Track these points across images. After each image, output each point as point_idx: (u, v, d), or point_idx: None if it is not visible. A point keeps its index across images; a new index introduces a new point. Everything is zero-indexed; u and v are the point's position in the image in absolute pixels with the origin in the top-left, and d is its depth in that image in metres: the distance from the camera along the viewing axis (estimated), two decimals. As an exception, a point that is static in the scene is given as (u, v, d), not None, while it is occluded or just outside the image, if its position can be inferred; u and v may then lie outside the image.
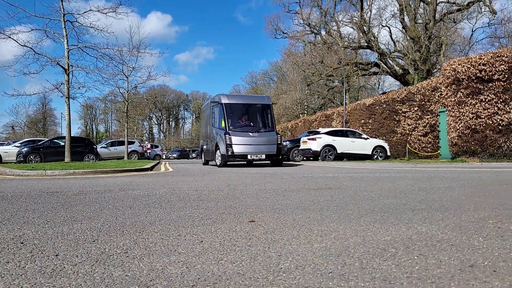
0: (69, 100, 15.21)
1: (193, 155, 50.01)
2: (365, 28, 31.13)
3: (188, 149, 56.52)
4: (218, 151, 11.89)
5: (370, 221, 2.28)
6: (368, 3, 31.86)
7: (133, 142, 25.81)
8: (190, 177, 6.87)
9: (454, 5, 29.72)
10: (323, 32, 35.41)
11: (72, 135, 16.46)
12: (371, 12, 32.04)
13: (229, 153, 11.18)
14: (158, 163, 16.82)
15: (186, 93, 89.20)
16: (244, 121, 12.31)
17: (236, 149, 11.20)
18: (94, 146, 20.73)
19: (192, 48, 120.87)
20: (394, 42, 33.15)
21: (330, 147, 17.19)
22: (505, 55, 12.70)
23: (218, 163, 11.81)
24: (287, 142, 19.98)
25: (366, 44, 31.79)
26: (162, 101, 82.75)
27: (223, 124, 11.85)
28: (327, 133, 17.74)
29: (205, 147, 14.26)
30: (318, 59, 34.03)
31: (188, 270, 1.39)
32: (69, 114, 15.49)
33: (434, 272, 1.32)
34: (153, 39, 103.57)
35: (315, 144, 17.17)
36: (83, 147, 19.28)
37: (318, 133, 18.00)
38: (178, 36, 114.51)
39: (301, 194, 3.82)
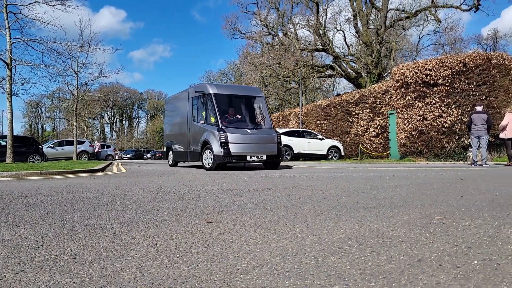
0: (11, 97, 14.24)
1: (148, 155, 48.62)
2: (320, 31, 31.98)
3: (142, 149, 54.89)
4: (207, 151, 9.78)
5: (325, 219, 2.33)
6: (324, 7, 32.76)
7: (83, 142, 24.59)
8: (144, 178, 6.67)
9: (403, 12, 31.36)
10: (280, 34, 35.92)
11: (15, 134, 15.40)
12: (326, 16, 32.97)
13: (225, 154, 9.27)
14: (110, 163, 16.18)
15: (140, 91, 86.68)
16: (235, 116, 10.46)
17: (234, 148, 9.35)
18: (40, 146, 19.51)
19: (148, 45, 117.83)
20: (348, 46, 34.36)
21: (287, 147, 17.45)
22: (448, 62, 13.58)
23: (208, 166, 9.66)
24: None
25: (321, 47, 32.66)
26: (115, 99, 79.76)
27: (212, 119, 9.96)
28: (284, 133, 17.99)
29: (176, 146, 12.24)
30: (275, 60, 34.47)
31: (141, 274, 1.34)
32: (11, 112, 14.49)
33: (385, 267, 1.36)
34: (105, 34, 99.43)
35: (273, 145, 17.36)
36: (27, 147, 18.07)
37: (275, 133, 18.19)
38: (133, 33, 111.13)
39: (259, 194, 3.83)
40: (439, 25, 33.06)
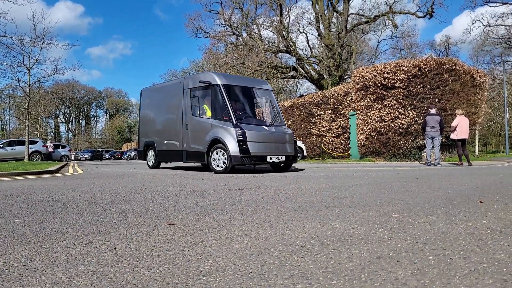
0: (-45, 93, 13.22)
1: (107, 155, 46.93)
2: (284, 33, 32.36)
3: (101, 149, 52.89)
4: (218, 151, 8.37)
5: (288, 219, 2.34)
6: (287, 9, 33.19)
7: (35, 142, 23.30)
8: (102, 180, 6.43)
9: (363, 17, 32.43)
10: (244, 34, 35.97)
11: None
12: (289, 18, 33.42)
13: (243, 154, 8.02)
14: (65, 165, 15.47)
15: (99, 89, 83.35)
16: (244, 111, 9.18)
17: (252, 148, 8.14)
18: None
19: (107, 42, 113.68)
20: (310, 48, 35.05)
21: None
22: (405, 66, 14.20)
23: (219, 168, 8.24)
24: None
25: (285, 48, 33.06)
26: (71, 97, 76.36)
27: (222, 115, 8.57)
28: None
29: (163, 144, 10.46)
30: (239, 61, 34.47)
31: (99, 280, 1.28)
32: (-44, 109, 13.46)
33: (346, 265, 1.39)
34: (61, 29, 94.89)
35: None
36: (-27, 147, 16.89)
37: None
38: (91, 29, 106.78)
39: (222, 194, 3.81)
40: (396, 30, 34.54)
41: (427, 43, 64.89)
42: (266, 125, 8.84)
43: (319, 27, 31.21)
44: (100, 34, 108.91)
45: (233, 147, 8.06)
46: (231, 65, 35.44)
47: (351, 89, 16.82)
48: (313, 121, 20.08)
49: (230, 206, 2.93)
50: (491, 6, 42.66)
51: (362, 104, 15.37)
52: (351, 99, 16.96)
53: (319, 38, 32.38)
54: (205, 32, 37.69)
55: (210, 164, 8.48)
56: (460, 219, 2.19)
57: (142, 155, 11.65)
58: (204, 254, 1.58)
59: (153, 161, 11.10)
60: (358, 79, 15.42)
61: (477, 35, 45.34)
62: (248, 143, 8.12)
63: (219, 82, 8.75)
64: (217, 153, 8.39)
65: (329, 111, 18.97)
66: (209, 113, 8.87)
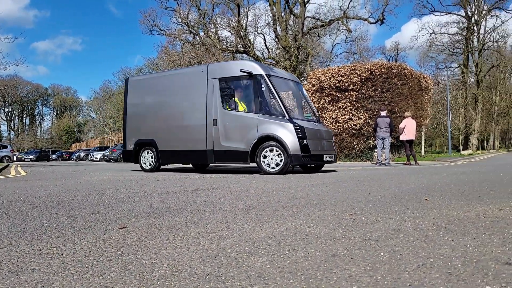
0: None
1: (54, 156, 44.41)
2: (242, 33, 32.44)
3: (47, 149, 49.92)
4: (273, 149, 7.36)
5: (246, 219, 2.34)
6: (245, 10, 33.28)
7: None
8: (48, 182, 6.06)
9: (318, 21, 33.30)
10: (201, 33, 35.60)
11: None
12: (247, 18, 33.55)
13: (304, 153, 7.24)
14: (6, 166, 14.45)
15: (45, 86, 78.66)
16: (292, 106, 8.57)
17: (312, 146, 7.36)
18: None
19: (55, 36, 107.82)
20: (268, 50, 35.40)
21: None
22: (358, 69, 14.75)
23: (273, 170, 7.32)
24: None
25: (243, 49, 33.14)
26: (14, 94, 71.40)
27: (270, 109, 7.69)
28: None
29: (171, 143, 8.82)
30: (196, 60, 34.07)
31: (43, 290, 1.19)
32: None
33: (303, 264, 1.40)
34: (3, 21, 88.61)
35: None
36: None
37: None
38: (38, 22, 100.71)
39: (178, 196, 3.73)
40: (350, 35, 35.85)
41: (378, 48, 68.03)
42: (315, 121, 8.23)
43: (276, 28, 31.62)
44: (47, 28, 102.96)
45: (293, 145, 7.18)
46: (188, 64, 34.94)
47: (307, 90, 17.20)
48: (270, 121, 20.27)
49: (186, 208, 2.88)
50: (436, 15, 45.41)
51: (317, 105, 15.75)
52: (307, 100, 17.32)
53: (276, 39, 32.81)
54: (160, 29, 36.86)
55: (260, 165, 7.48)
56: (408, 216, 2.30)
57: (132, 157, 9.45)
58: (158, 258, 1.53)
59: (151, 163, 9.12)
60: (314, 81, 15.79)
61: (423, 42, 48.35)
62: (307, 140, 7.32)
63: (262, 72, 7.78)
64: (267, 152, 7.41)
65: (286, 112, 19.27)
66: (242, 107, 7.97)
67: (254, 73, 7.75)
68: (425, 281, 1.19)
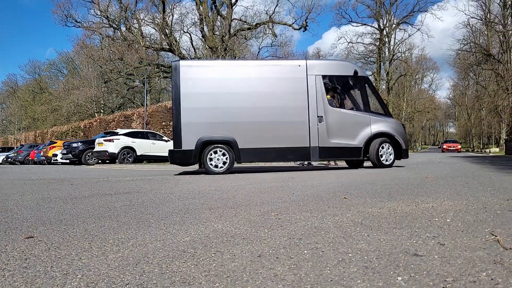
0: None
1: None
2: (167, 31, 31.56)
3: None
4: (384, 145, 8.28)
5: (170, 223, 2.25)
6: (171, 7, 32.47)
7: None
8: None
9: (245, 23, 33.78)
10: (123, 28, 33.87)
11: None
12: (173, 16, 32.77)
13: (406, 148, 8.65)
14: None
15: None
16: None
17: (404, 145, 8.63)
18: None
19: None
20: (194, 49, 34.95)
21: (129, 149, 16.52)
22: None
23: (388, 163, 8.35)
24: (79, 143, 18.06)
25: (168, 47, 32.26)
26: None
27: (376, 109, 8.64)
28: (126, 134, 16.99)
29: (260, 142, 7.97)
30: (117, 56, 32.31)
31: None
32: None
33: (229, 266, 1.39)
34: None
35: (113, 146, 16.15)
36: None
37: (116, 134, 17.02)
38: None
39: (95, 200, 3.47)
40: (275, 39, 37.00)
41: (302, 53, 71.12)
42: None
43: (203, 28, 31.37)
44: None
45: (405, 142, 8.50)
46: (107, 60, 32.99)
47: (233, 92, 17.29)
48: (196, 122, 20.01)
49: (105, 213, 2.69)
50: (353, 26, 48.93)
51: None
52: (233, 102, 17.42)
53: (203, 39, 32.53)
54: (76, 21, 34.29)
55: (377, 160, 8.25)
56: (329, 214, 2.41)
57: (192, 157, 7.81)
58: (71, 269, 1.39)
59: (226, 164, 7.85)
60: (240, 83, 15.90)
61: (342, 50, 51.76)
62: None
63: (364, 74, 8.84)
64: (383, 148, 8.31)
65: (212, 113, 19.17)
66: (346, 105, 8.81)
67: (359, 74, 8.49)
68: (344, 276, 1.24)
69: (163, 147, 17.65)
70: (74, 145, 17.76)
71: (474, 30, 45.16)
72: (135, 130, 18.91)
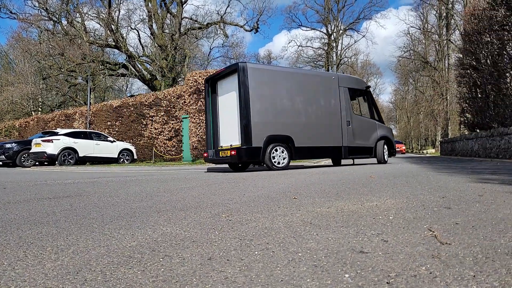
0: None
1: None
2: (113, 26, 30.29)
3: None
4: (385, 146, 11.10)
5: (115, 228, 2.15)
6: (117, 2, 31.20)
7: None
8: None
9: (196, 23, 33.36)
10: (64, 22, 31.98)
11: None
12: (119, 11, 31.52)
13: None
14: None
15: None
16: None
17: None
18: None
19: None
20: (142, 47, 33.88)
21: (70, 150, 15.62)
22: (233, 74, 15.21)
23: (388, 158, 11.43)
24: (14, 144, 16.75)
25: (114, 43, 30.97)
26: None
27: (377, 116, 11.34)
28: (67, 134, 16.06)
29: (309, 141, 9.35)
30: (57, 51, 30.41)
31: None
32: None
33: (178, 271, 1.34)
34: None
35: (52, 147, 15.19)
36: None
37: (56, 134, 16.02)
38: None
39: (32, 205, 3.22)
40: (227, 40, 36.99)
41: (253, 55, 71.94)
42: None
43: (152, 25, 30.54)
44: None
45: (394, 143, 11.42)
46: (46, 55, 30.98)
47: (184, 92, 17.03)
48: (144, 122, 19.43)
49: (42, 219, 2.50)
50: (303, 30, 50.11)
51: (195, 107, 15.73)
52: (184, 102, 17.18)
53: (152, 37, 31.66)
54: (11, 12, 31.83)
55: (382, 158, 10.86)
56: (279, 214, 2.44)
57: (259, 154, 8.48)
58: (3, 280, 1.27)
59: (285, 159, 8.89)
60: (191, 82, 15.72)
61: (292, 53, 52.98)
62: None
63: (368, 89, 11.23)
64: (385, 148, 11.01)
65: (162, 113, 18.72)
66: (366, 114, 11.16)
67: (367, 88, 11.11)
68: (294, 275, 1.26)
69: (108, 148, 16.91)
70: (8, 145, 16.44)
71: (414, 38, 48.53)
72: (77, 130, 17.93)
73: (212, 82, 9.51)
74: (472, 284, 1.12)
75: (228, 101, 9.04)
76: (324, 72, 13.78)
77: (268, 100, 8.82)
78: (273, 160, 8.66)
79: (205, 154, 9.33)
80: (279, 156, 8.77)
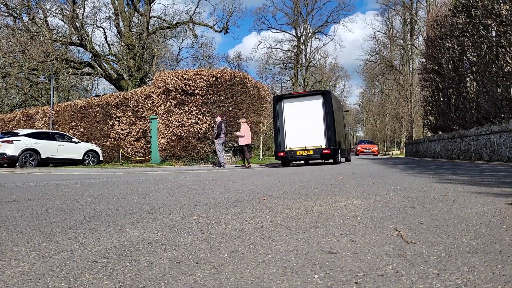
0: None
1: None
2: (77, 24, 29.28)
3: None
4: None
5: (80, 232, 2.07)
6: (82, -1, 30.19)
7: None
8: None
9: (164, 22, 32.83)
10: (25, 18, 30.59)
11: None
12: (84, 9, 30.51)
13: None
14: None
15: None
16: None
17: None
18: None
19: None
20: (109, 45, 32.95)
21: (32, 152, 14.96)
22: (204, 74, 15.14)
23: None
24: (-29, 144, 15.82)
25: (78, 41, 29.95)
26: None
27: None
28: (28, 135, 15.37)
29: (344, 143, 15.74)
30: (18, 48, 29.02)
31: None
32: None
33: (146, 275, 1.31)
34: None
35: (12, 148, 14.49)
36: None
37: (16, 134, 15.29)
38: None
39: (-11, 209, 3.05)
40: (196, 40, 36.61)
41: (223, 56, 71.74)
42: None
43: (118, 24, 29.78)
44: None
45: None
46: (5, 52, 29.52)
47: (152, 92, 16.70)
48: (111, 123, 18.90)
49: (1, 223, 2.38)
50: (273, 32, 50.55)
51: (163, 108, 15.47)
52: (153, 102, 16.86)
53: (118, 35, 30.87)
54: (-32, 6, 30.15)
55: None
56: (249, 216, 2.44)
57: (332, 154, 12.61)
58: (-45, 292, 1.19)
59: (340, 157, 14.04)
60: (160, 83, 15.46)
61: (262, 55, 53.32)
62: None
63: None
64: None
65: (129, 114, 18.27)
66: None
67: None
68: (264, 277, 1.26)
69: (72, 149, 16.33)
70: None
71: (380, 43, 50.09)
72: (40, 130, 17.19)
73: (279, 99, 13.29)
74: (436, 282, 1.17)
75: (296, 114, 13.05)
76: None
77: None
78: (340, 159, 13.79)
79: (281, 154, 12.55)
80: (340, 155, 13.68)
